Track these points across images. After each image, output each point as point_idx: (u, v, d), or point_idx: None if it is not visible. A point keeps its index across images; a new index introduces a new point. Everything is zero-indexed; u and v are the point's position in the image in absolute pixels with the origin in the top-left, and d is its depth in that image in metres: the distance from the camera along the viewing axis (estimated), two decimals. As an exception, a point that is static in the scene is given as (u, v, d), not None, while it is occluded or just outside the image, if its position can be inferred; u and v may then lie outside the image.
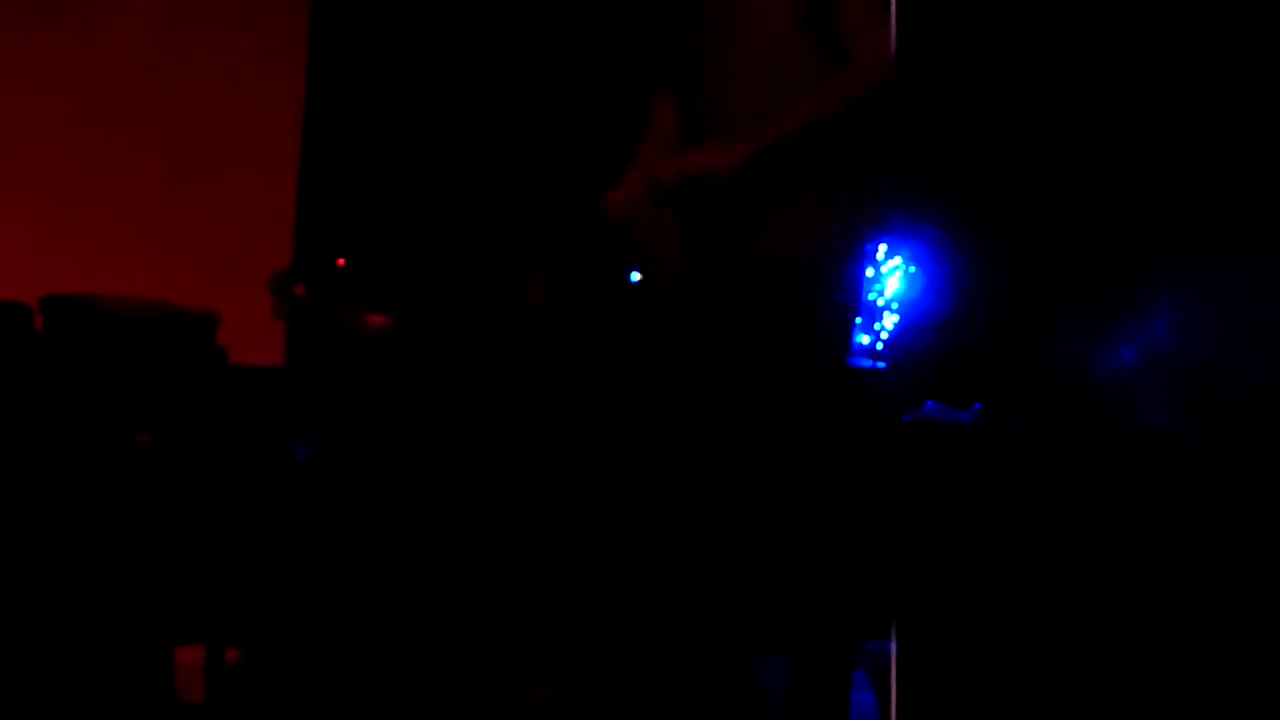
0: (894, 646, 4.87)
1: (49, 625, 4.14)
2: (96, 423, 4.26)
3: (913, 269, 5.90)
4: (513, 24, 6.32)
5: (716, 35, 3.74)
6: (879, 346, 5.76)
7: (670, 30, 3.86)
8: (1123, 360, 5.70)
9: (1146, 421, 5.53)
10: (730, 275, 3.72)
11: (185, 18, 6.14)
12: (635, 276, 5.65)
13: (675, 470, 3.83)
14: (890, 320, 5.85)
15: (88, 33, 6.02)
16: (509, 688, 4.63)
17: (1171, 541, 4.99)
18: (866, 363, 5.67)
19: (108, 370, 4.28)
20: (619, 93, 4.23)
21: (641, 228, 3.82)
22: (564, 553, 4.77)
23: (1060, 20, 5.93)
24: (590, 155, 5.90)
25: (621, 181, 3.87)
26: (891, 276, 5.90)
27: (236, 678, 4.45)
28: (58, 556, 4.16)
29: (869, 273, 5.85)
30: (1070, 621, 4.95)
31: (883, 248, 5.87)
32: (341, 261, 5.46)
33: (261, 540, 4.54)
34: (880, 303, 5.85)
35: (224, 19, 6.19)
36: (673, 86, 3.90)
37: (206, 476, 4.43)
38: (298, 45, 6.32)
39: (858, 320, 5.76)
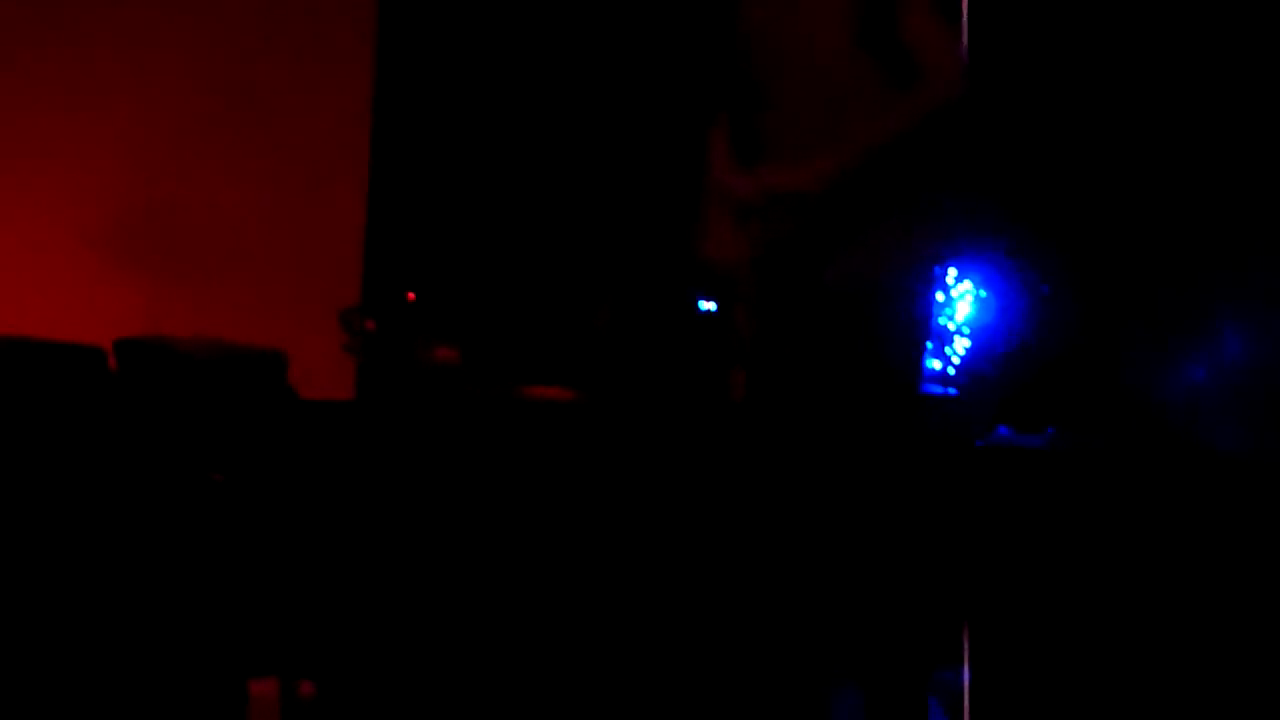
0: (967, 673, 4.85)
1: (127, 660, 4.17)
2: (171, 463, 4.29)
3: (983, 293, 5.87)
4: (579, 58, 6.34)
5: (772, 59, 3.73)
6: (950, 371, 5.73)
7: (725, 56, 3.86)
8: (1195, 380, 5.67)
9: (1220, 441, 5.49)
10: (804, 300, 3.71)
11: (252, 53, 6.18)
12: (704, 305, 5.67)
13: (749, 496, 3.83)
14: (961, 345, 5.82)
15: (154, 72, 6.07)
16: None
17: (1249, 562, 4.95)
18: (938, 388, 5.65)
19: (181, 411, 4.32)
20: (680, 123, 4.23)
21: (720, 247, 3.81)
22: (637, 579, 4.77)
23: (1134, 42, 5.91)
24: (654, 185, 5.92)
25: (703, 220, 3.88)
26: (962, 301, 5.87)
27: (310, 711, 4.48)
28: (135, 593, 4.20)
29: (939, 297, 5.83)
30: (1147, 646, 4.91)
31: (953, 272, 5.85)
32: (411, 296, 5.48)
33: (335, 574, 4.56)
34: (951, 327, 5.82)
35: (291, 53, 6.22)
36: (729, 113, 3.90)
37: (280, 512, 4.45)
38: (364, 80, 6.35)
39: (929, 345, 5.76)
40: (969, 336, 5.84)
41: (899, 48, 3.60)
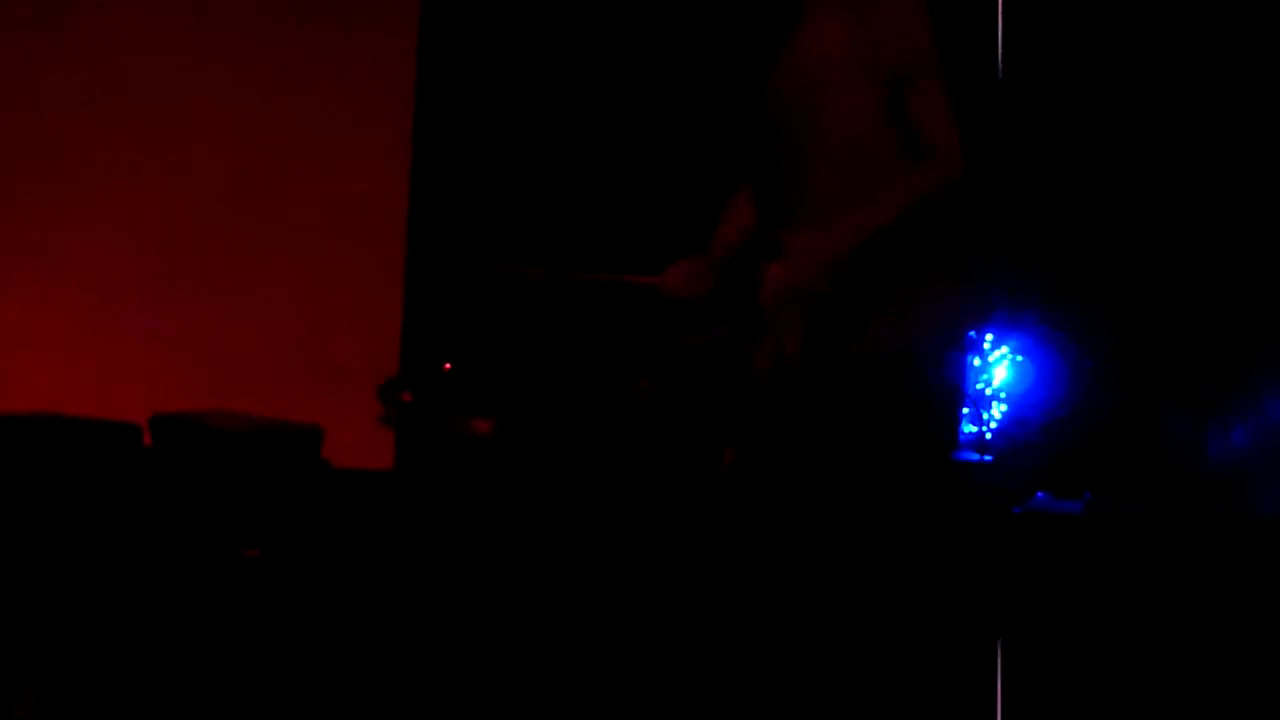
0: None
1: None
2: (206, 538, 4.31)
3: (1020, 358, 5.86)
4: (606, 142, 6.38)
5: (800, 133, 3.77)
6: (987, 437, 5.72)
7: (753, 128, 3.90)
8: (1233, 445, 5.64)
9: (1259, 505, 5.46)
10: (835, 370, 3.73)
11: (289, 122, 6.22)
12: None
13: (783, 564, 3.82)
14: (998, 410, 5.81)
15: (190, 143, 6.11)
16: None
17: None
18: (974, 454, 5.64)
19: (215, 486, 4.34)
20: (712, 197, 4.26)
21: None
22: (667, 653, 4.77)
23: (1171, 102, 5.92)
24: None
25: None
26: (999, 366, 5.86)
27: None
28: (170, 668, 4.21)
29: (976, 362, 5.83)
30: (1185, 712, 4.88)
31: (989, 337, 5.85)
32: (448, 367, 5.50)
33: (372, 646, 4.56)
34: (988, 392, 5.82)
35: (328, 122, 6.26)
36: (754, 184, 3.94)
37: (315, 586, 4.46)
38: (403, 148, 6.38)
39: (965, 411, 5.75)
40: (1006, 402, 5.83)
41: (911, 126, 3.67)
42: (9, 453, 4.39)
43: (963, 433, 5.75)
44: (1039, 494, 5.51)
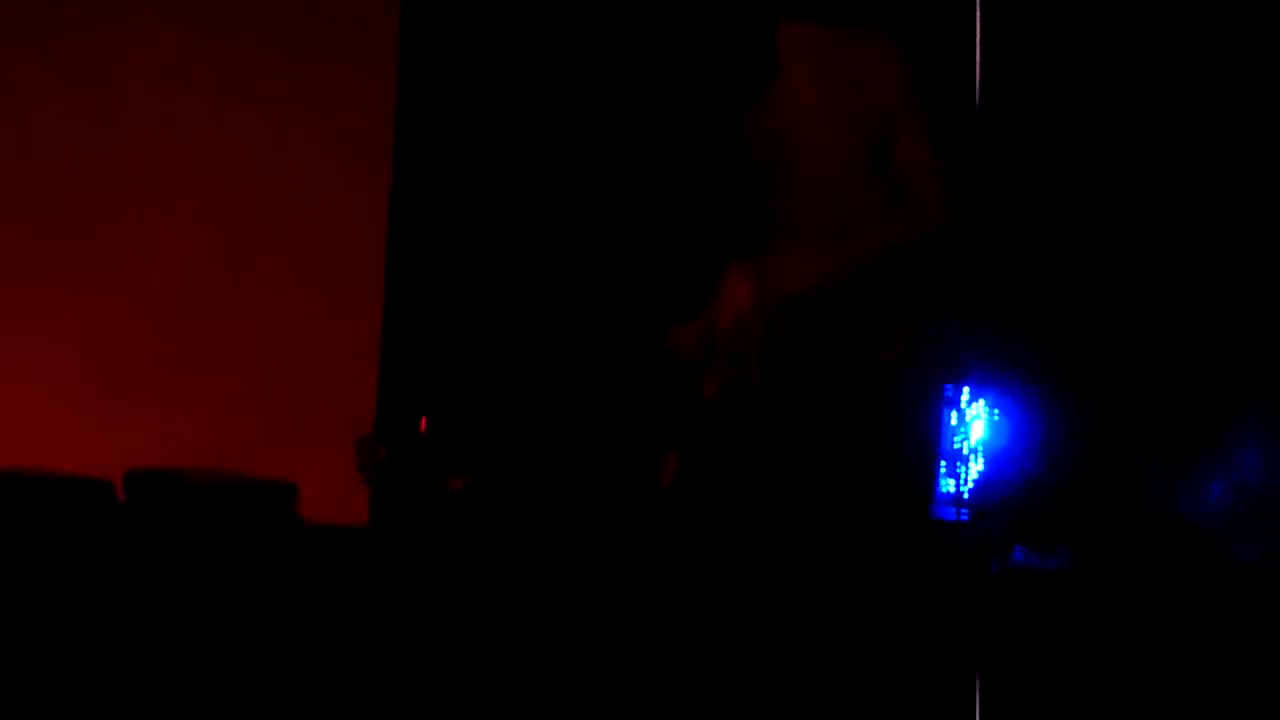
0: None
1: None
2: (179, 596, 4.29)
3: (997, 414, 5.86)
4: (584, 208, 6.39)
5: (779, 181, 3.78)
6: (965, 493, 5.71)
7: (738, 181, 3.90)
8: (1211, 499, 5.64)
9: (1237, 558, 5.46)
10: (805, 410, 3.72)
11: (264, 176, 6.21)
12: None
13: (753, 621, 3.81)
14: (975, 466, 5.81)
15: (163, 206, 6.10)
16: None
17: (1270, 679, 4.92)
18: (952, 512, 5.63)
19: (190, 542, 4.32)
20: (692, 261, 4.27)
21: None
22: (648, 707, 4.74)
23: (1146, 158, 5.94)
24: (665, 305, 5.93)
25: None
26: (976, 422, 5.86)
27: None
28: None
29: (953, 419, 5.83)
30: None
31: (966, 393, 5.84)
32: (424, 423, 5.49)
33: (345, 704, 4.53)
34: (965, 449, 5.81)
35: (304, 182, 6.26)
36: (736, 238, 3.94)
37: (288, 643, 4.44)
38: (380, 204, 6.38)
39: (942, 467, 5.75)
40: (983, 458, 5.82)
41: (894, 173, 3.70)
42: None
43: (940, 489, 5.74)
44: (1017, 550, 5.50)
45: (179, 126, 6.12)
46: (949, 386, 5.73)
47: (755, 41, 3.79)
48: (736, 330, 3.70)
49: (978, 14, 5.96)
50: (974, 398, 5.85)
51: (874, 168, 3.71)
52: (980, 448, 5.82)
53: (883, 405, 3.71)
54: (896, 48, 3.74)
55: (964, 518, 5.60)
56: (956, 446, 5.79)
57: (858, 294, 3.66)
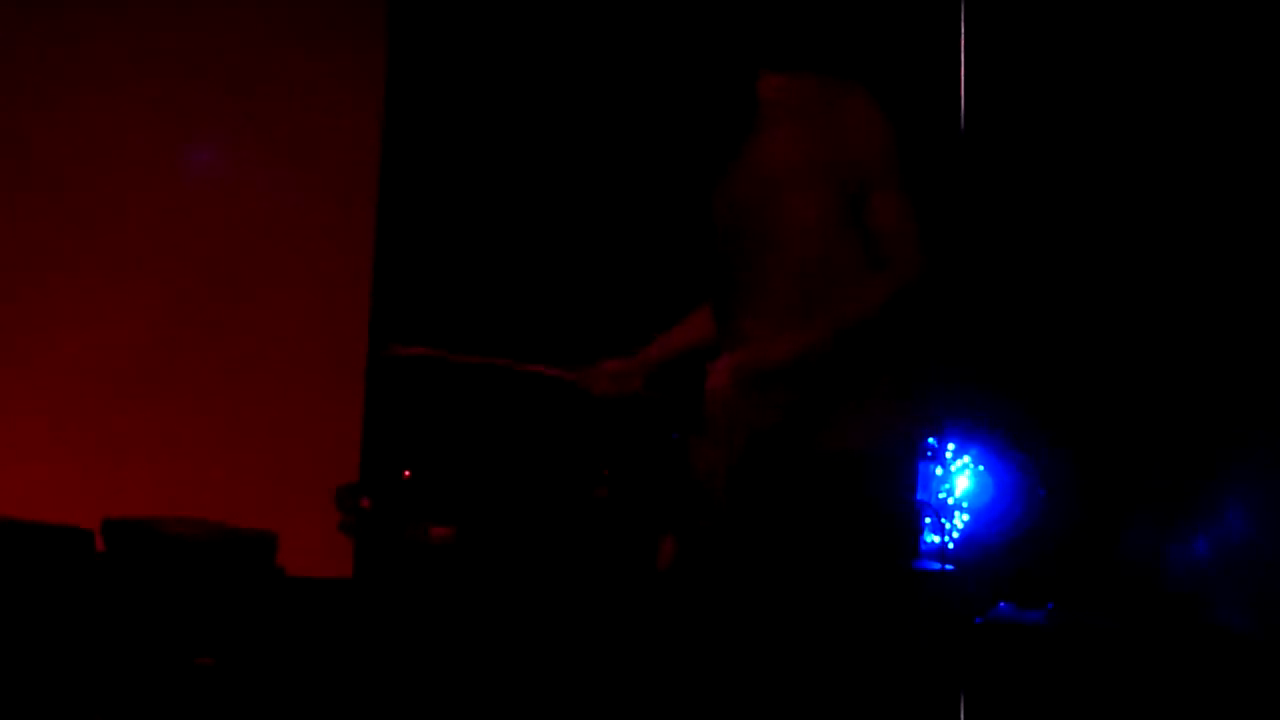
0: None
1: None
2: (159, 645, 4.27)
3: (981, 468, 5.86)
4: (565, 236, 6.40)
5: (754, 238, 3.78)
6: (949, 546, 5.70)
7: (707, 236, 3.91)
8: (1195, 556, 5.63)
9: (1221, 617, 5.45)
10: (792, 471, 3.72)
11: (248, 227, 6.22)
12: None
13: (739, 672, 3.79)
14: (960, 519, 5.80)
15: (153, 251, 6.10)
16: None
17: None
18: (936, 564, 5.62)
19: (168, 593, 4.30)
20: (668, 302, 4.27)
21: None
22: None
23: (1131, 214, 5.94)
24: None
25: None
26: (961, 475, 5.86)
27: None
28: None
29: (938, 472, 5.82)
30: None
31: (951, 447, 5.84)
32: (407, 474, 5.48)
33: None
34: (950, 502, 5.80)
35: (289, 230, 6.27)
36: (711, 290, 3.93)
37: (269, 695, 4.42)
38: (365, 259, 6.39)
39: (926, 520, 5.74)
40: (968, 511, 5.82)
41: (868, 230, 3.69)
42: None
43: (925, 542, 5.73)
44: (1001, 604, 5.49)
45: (165, 170, 6.14)
46: (927, 438, 5.73)
47: (736, 94, 3.79)
48: (722, 410, 3.69)
49: (961, 60, 5.98)
50: (959, 452, 5.85)
51: (850, 223, 3.71)
52: (965, 501, 5.81)
53: (862, 455, 3.71)
54: (875, 99, 3.74)
55: (949, 570, 5.59)
56: (941, 499, 5.78)
57: (840, 353, 3.66)
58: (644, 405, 4.10)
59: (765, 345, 3.64)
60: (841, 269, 3.70)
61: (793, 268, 3.73)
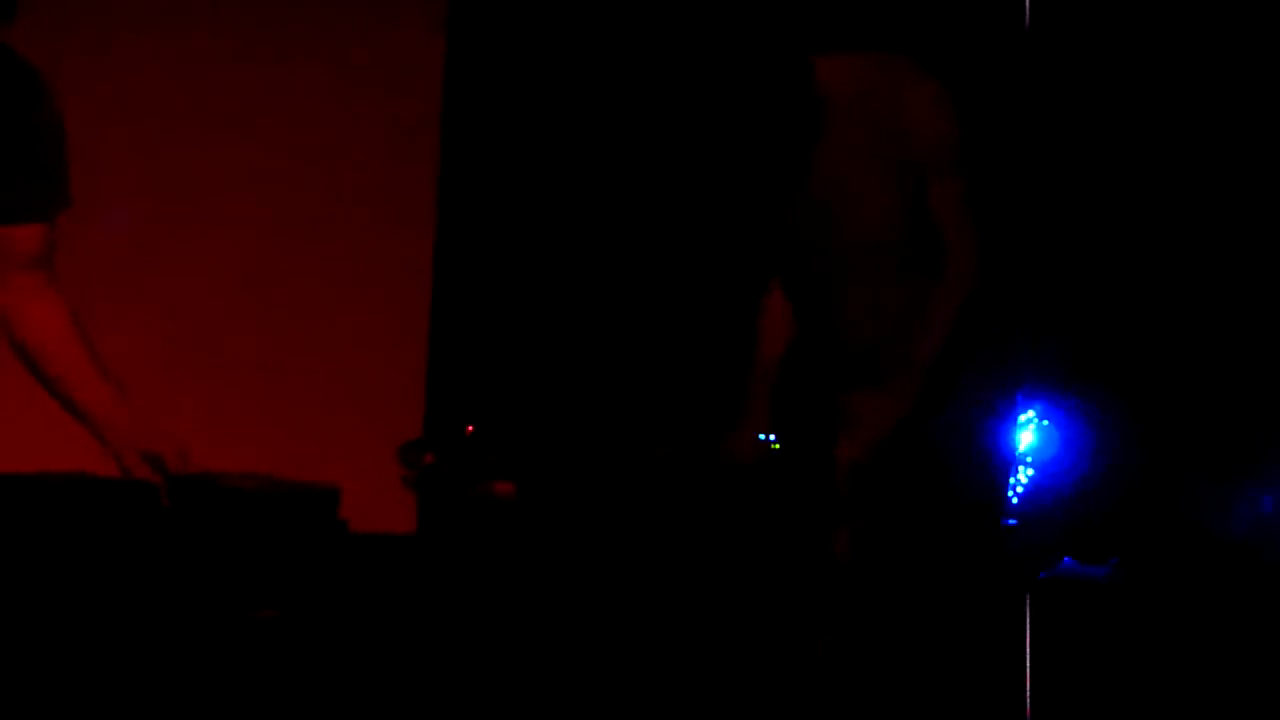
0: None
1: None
2: (222, 599, 4.29)
3: (1046, 423, 5.84)
4: (641, 206, 6.39)
5: (829, 243, 3.79)
6: (1013, 501, 5.70)
7: (780, 223, 3.91)
8: (1260, 511, 5.61)
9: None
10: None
11: (312, 181, 6.23)
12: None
13: (821, 626, 3.82)
14: (1024, 475, 5.79)
15: (219, 207, 6.12)
16: None
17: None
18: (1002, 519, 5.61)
19: (232, 547, 4.32)
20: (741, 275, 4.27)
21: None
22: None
23: (1190, 162, 5.91)
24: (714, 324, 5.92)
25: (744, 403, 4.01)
26: (1025, 430, 5.84)
27: None
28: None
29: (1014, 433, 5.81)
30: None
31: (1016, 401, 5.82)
32: (471, 429, 5.49)
33: (387, 711, 4.53)
34: (1014, 457, 5.79)
35: (351, 185, 6.27)
36: (783, 279, 3.95)
37: (332, 649, 4.43)
38: (427, 213, 6.40)
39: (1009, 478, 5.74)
40: (1032, 466, 5.80)
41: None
42: (29, 512, 4.38)
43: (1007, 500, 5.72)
44: (1065, 559, 5.48)
45: (220, 123, 6.15)
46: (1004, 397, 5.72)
47: (798, 99, 3.76)
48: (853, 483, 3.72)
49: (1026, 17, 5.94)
50: (1024, 406, 5.83)
51: (919, 210, 3.71)
52: (1030, 455, 5.80)
53: (955, 419, 3.74)
54: (930, 76, 3.73)
55: (1013, 525, 5.58)
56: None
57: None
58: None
59: (878, 417, 3.65)
60: (910, 256, 3.70)
61: (874, 266, 3.74)
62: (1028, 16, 5.95)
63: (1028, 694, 5.09)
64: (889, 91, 3.73)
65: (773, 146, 3.87)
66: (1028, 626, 5.15)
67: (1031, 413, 5.81)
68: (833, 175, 3.78)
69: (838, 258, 3.80)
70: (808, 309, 3.91)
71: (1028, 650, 5.14)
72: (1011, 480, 5.70)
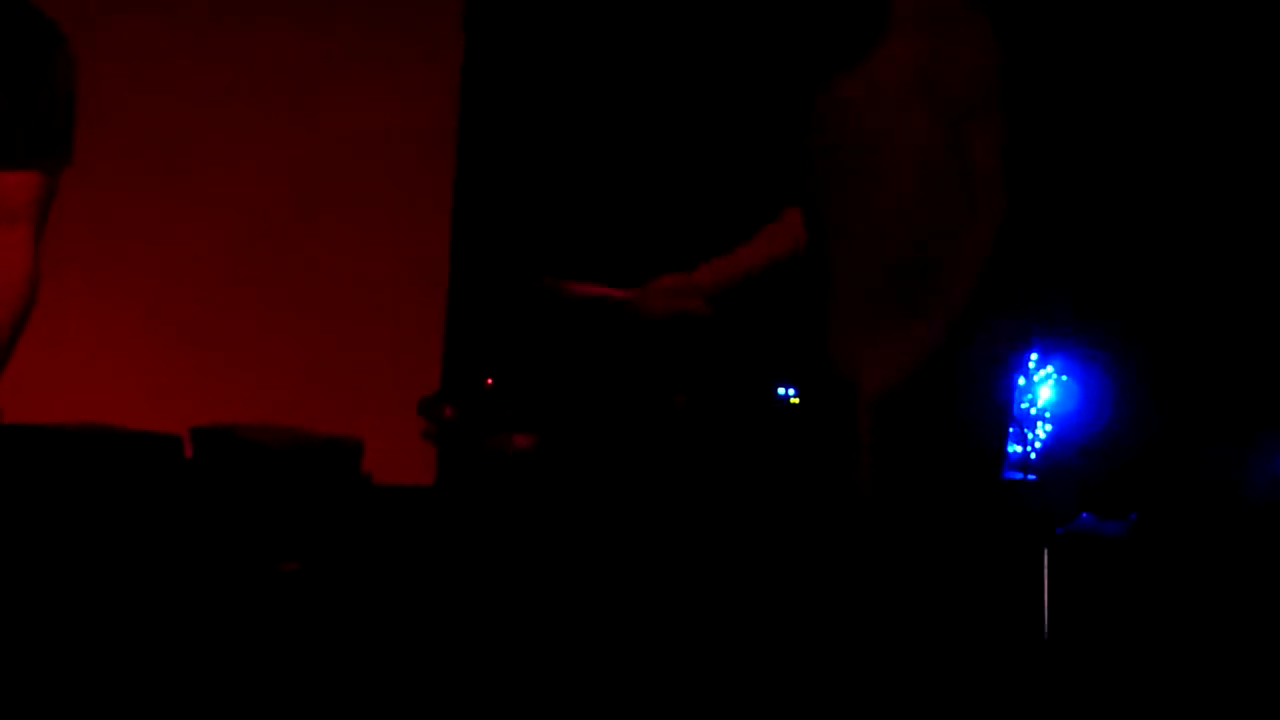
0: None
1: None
2: (245, 551, 4.32)
3: (1064, 378, 5.83)
4: (654, 161, 6.37)
5: (859, 149, 3.74)
6: (1032, 457, 5.69)
7: (812, 143, 3.86)
8: (1278, 467, 5.60)
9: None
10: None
11: (333, 136, 6.24)
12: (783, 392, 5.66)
13: (823, 580, 3.81)
14: (1042, 430, 5.78)
15: (236, 162, 6.13)
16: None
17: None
18: (1019, 475, 5.61)
19: (255, 499, 4.34)
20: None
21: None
22: (716, 663, 4.75)
23: (1205, 121, 5.90)
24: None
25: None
26: (1043, 386, 5.83)
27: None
28: (208, 682, 4.21)
29: (1020, 382, 5.80)
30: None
31: (1034, 357, 5.82)
32: (490, 383, 5.50)
33: (409, 660, 4.56)
34: (1032, 412, 5.79)
35: (372, 140, 6.28)
36: (802, 198, 3.89)
37: (354, 600, 4.46)
38: (446, 169, 6.40)
39: (1011, 431, 5.72)
40: (1051, 422, 5.80)
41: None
42: (52, 462, 4.41)
43: (1009, 453, 5.72)
44: (1084, 515, 5.48)
45: (263, 76, 6.16)
46: (1019, 350, 5.71)
47: None
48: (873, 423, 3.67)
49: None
50: (1042, 362, 5.82)
51: (952, 150, 3.67)
52: (1048, 411, 5.79)
53: (955, 365, 3.70)
54: (997, 40, 3.69)
55: (1031, 481, 5.58)
56: (1024, 409, 5.76)
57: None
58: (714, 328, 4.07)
59: (908, 350, 3.61)
60: (937, 195, 3.66)
61: (894, 193, 3.69)
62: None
63: (1045, 647, 5.09)
64: (956, 30, 3.69)
65: (832, 29, 3.82)
66: (1045, 581, 5.15)
67: (1050, 368, 5.79)
68: (879, 79, 3.72)
69: (869, 173, 3.74)
70: (834, 224, 3.83)
71: (1045, 604, 5.14)
72: (1030, 436, 5.70)
